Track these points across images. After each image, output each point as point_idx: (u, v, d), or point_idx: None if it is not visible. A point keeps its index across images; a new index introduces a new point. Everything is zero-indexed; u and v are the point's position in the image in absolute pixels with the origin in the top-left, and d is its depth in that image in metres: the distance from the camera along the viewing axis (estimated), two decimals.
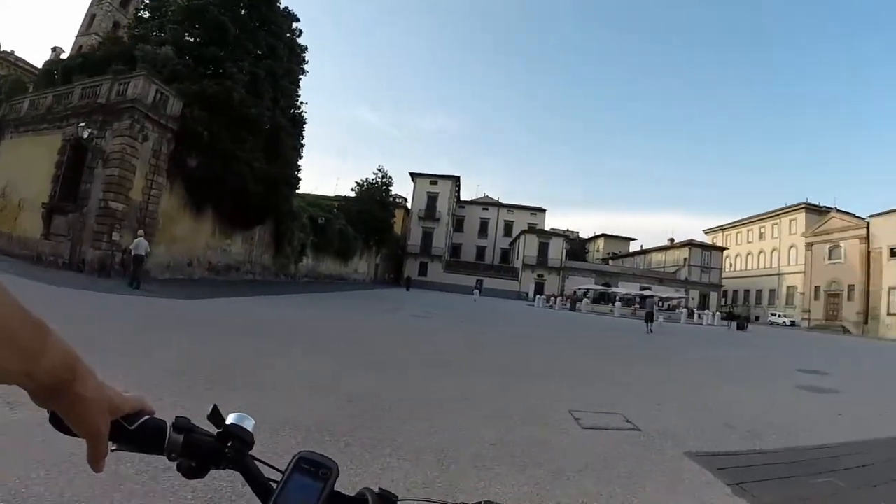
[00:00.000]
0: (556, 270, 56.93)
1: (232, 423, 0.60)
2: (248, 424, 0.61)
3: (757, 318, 53.40)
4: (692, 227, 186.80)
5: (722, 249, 61.57)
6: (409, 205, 63.61)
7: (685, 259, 57.56)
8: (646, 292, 44.53)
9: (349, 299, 21.06)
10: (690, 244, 58.77)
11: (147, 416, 0.58)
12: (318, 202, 37.25)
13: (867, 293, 46.02)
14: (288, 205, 25.26)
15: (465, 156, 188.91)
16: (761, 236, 63.68)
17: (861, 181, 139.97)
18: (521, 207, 69.44)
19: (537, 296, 43.78)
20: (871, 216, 47.07)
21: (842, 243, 49.22)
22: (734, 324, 30.78)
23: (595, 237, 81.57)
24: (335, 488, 0.57)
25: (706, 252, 59.01)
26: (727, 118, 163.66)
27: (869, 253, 46.30)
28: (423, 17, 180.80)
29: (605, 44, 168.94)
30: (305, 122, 26.17)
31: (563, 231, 63.27)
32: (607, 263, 67.25)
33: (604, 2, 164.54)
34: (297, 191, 25.94)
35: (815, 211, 56.26)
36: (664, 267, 60.43)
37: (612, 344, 14.43)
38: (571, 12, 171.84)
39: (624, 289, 46.73)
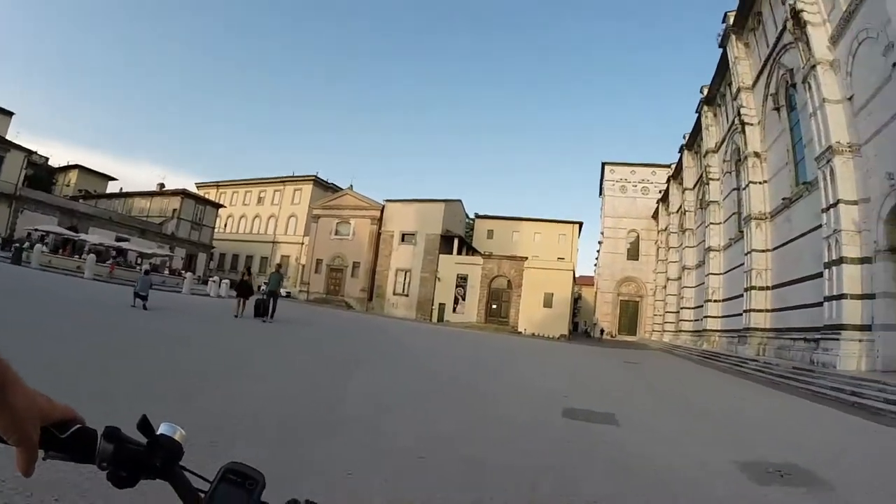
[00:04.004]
0: (8, 199, 41.52)
1: (161, 434, 0.64)
2: (178, 435, 0.65)
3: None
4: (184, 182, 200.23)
5: (218, 206, 57.65)
6: None
7: (175, 210, 51.64)
8: (124, 244, 39.70)
9: None
10: (184, 194, 52.78)
11: (78, 426, 0.63)
12: None
13: (373, 272, 50.18)
14: None
15: None
16: (260, 201, 63.58)
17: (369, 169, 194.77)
18: None
19: None
20: (387, 200, 51.17)
21: (352, 221, 51.73)
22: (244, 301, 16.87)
23: (68, 167, 65.31)
24: (262, 499, 0.62)
25: (200, 206, 54.06)
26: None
27: (380, 234, 50.47)
28: None
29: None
30: None
31: (27, 148, 45.32)
32: (78, 202, 52.16)
33: None
34: None
35: (323, 186, 60.00)
36: (148, 216, 52.60)
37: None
38: None
39: (97, 237, 38.08)
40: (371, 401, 6.26)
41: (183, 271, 35.35)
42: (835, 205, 16.18)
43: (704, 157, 34.94)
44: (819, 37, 17.84)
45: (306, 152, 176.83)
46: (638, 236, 60.91)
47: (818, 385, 13.41)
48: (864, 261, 15.28)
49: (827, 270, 16.36)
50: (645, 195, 60.78)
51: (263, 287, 18.78)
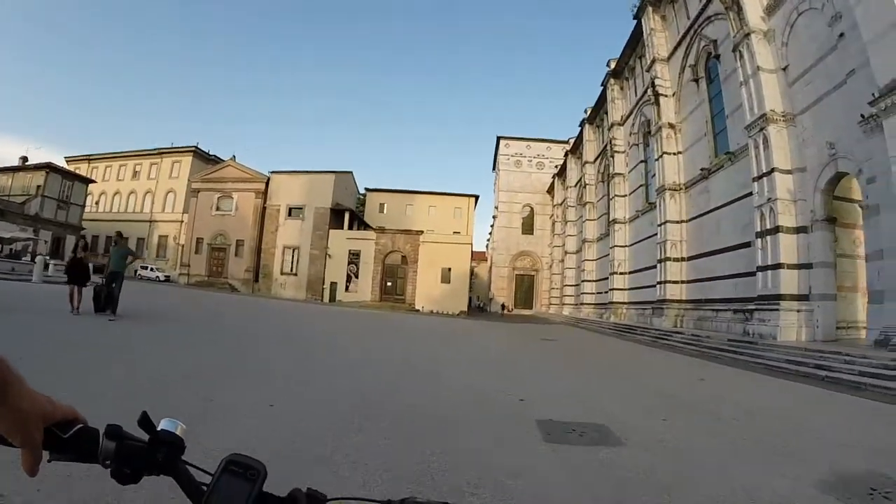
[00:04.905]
0: None
1: (162, 429, 0.65)
2: (179, 429, 0.66)
3: None
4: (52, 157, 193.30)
5: (88, 181, 51.62)
6: None
7: (39, 187, 46.10)
8: None
9: None
10: (49, 168, 46.89)
11: (80, 425, 0.64)
12: None
13: (259, 250, 46.39)
14: None
15: None
16: (135, 175, 56.84)
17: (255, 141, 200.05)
18: None
19: None
20: (272, 172, 47.49)
21: (235, 194, 47.56)
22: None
23: None
24: (264, 489, 0.63)
25: (68, 182, 48.08)
26: None
27: (265, 209, 46.68)
28: None
29: None
30: None
31: None
32: None
33: None
34: None
35: (204, 158, 55.29)
36: (10, 195, 46.71)
37: None
38: None
39: None
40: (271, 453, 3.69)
41: (47, 257, 28.99)
42: (769, 173, 16.33)
43: (610, 129, 35.65)
44: (753, 6, 17.84)
45: (187, 122, 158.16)
46: (532, 211, 62.32)
47: (769, 358, 13.27)
48: (799, 230, 15.62)
49: (760, 240, 16.60)
50: (540, 170, 62.15)
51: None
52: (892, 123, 11.97)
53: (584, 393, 8.13)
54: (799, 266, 15.39)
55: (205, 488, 0.63)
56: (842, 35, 14.13)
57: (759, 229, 16.70)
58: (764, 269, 16.31)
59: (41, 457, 0.60)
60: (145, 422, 0.63)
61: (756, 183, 17.03)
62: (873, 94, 12.34)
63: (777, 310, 15.26)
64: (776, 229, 15.82)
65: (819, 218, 15.05)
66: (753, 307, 16.61)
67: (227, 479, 0.62)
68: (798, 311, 15.02)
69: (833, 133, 14.50)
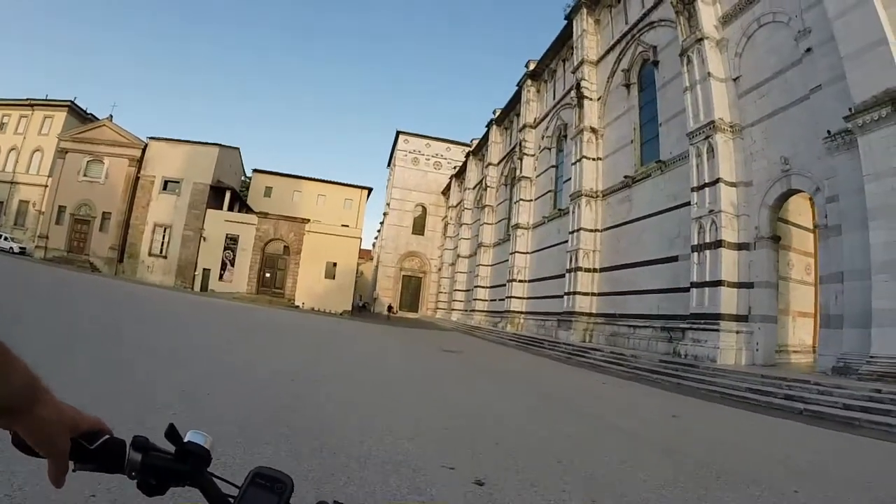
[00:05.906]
0: None
1: (189, 441, 0.65)
2: (206, 442, 0.66)
3: None
4: None
5: None
6: None
7: None
8: None
9: None
10: None
11: (106, 436, 0.64)
12: None
13: (126, 225, 40.51)
14: None
15: None
16: (1, 128, 48.71)
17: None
18: None
19: None
20: (151, 138, 41.74)
21: (107, 160, 41.33)
22: None
23: None
24: (290, 502, 0.63)
25: None
26: None
27: (138, 179, 40.82)
28: None
29: None
30: None
31: None
32: None
33: None
34: None
35: (80, 117, 47.33)
36: None
37: None
38: None
39: None
40: None
41: None
42: (713, 183, 15.41)
43: (520, 131, 34.51)
44: (708, 14, 17.12)
45: (67, 77, 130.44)
46: (425, 211, 60.09)
47: (722, 385, 11.87)
48: (741, 247, 14.83)
49: (697, 254, 15.63)
50: (437, 170, 60.15)
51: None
52: (867, 140, 11.25)
53: (553, 451, 5.19)
54: (739, 285, 14.56)
55: (231, 500, 0.64)
56: (809, 50, 13.52)
57: (696, 242, 15.74)
58: (700, 285, 15.33)
59: (67, 468, 0.60)
60: (172, 433, 0.63)
61: (696, 193, 16.12)
62: (850, 109, 11.57)
63: (716, 330, 14.20)
64: (718, 243, 14.88)
65: (764, 235, 14.35)
66: (686, 326, 15.52)
67: (254, 492, 0.62)
68: (737, 332, 14.09)
69: (789, 148, 13.85)
